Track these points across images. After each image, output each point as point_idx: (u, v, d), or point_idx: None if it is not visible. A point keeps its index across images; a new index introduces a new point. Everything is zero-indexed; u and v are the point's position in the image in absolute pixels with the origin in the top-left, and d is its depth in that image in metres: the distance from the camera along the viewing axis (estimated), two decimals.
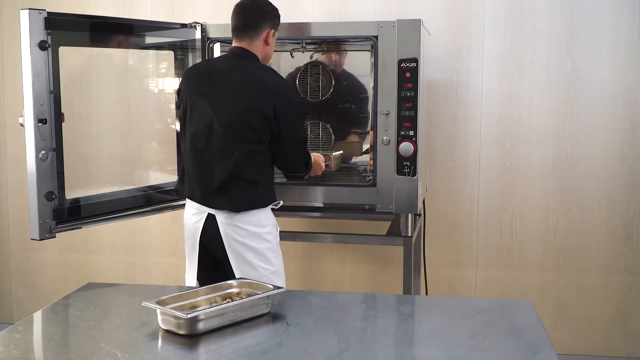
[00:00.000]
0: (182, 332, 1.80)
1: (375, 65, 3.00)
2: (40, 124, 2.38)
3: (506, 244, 3.77)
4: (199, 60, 3.09)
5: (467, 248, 3.81)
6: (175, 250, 4.10)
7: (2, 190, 4.25)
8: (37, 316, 1.98)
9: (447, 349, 1.74)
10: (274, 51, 3.09)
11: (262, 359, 1.70)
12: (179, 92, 2.72)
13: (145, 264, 4.14)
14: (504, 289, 3.80)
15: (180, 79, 2.78)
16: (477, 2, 3.67)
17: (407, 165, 3.00)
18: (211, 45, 3.13)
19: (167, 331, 1.83)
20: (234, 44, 2.70)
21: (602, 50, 3.62)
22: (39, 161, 2.39)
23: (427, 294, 3.72)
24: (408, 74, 2.97)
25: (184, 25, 3.06)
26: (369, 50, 3.11)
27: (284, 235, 3.61)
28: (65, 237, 4.20)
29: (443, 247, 3.83)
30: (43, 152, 2.39)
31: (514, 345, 1.80)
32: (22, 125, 2.42)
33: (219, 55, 3.12)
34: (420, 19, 2.92)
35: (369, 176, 3.12)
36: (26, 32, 2.38)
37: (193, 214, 2.65)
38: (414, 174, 2.99)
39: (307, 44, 3.28)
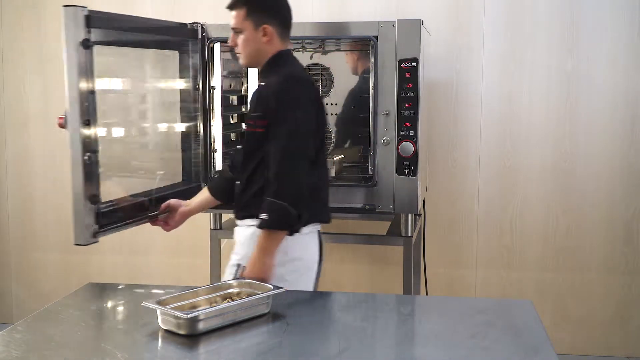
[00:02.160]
0: (182, 332, 1.80)
1: (375, 65, 3.00)
2: (85, 124, 2.29)
3: (506, 244, 3.77)
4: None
5: (467, 248, 3.81)
6: (175, 250, 4.10)
7: (2, 190, 4.25)
8: (37, 316, 1.98)
9: (447, 349, 1.74)
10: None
11: (262, 359, 1.70)
12: (314, 102, 2.40)
13: (145, 264, 4.14)
14: (503, 289, 3.80)
15: (303, 87, 2.38)
16: (477, 2, 3.67)
17: (407, 165, 3.00)
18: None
19: (167, 331, 1.82)
20: (287, 46, 2.46)
21: (602, 50, 3.62)
22: (85, 164, 2.30)
23: (427, 294, 3.72)
24: (408, 74, 2.97)
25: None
26: (369, 51, 3.11)
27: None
28: (65, 237, 4.20)
29: (443, 247, 3.83)
30: (88, 154, 2.30)
31: (514, 345, 1.80)
32: (61, 126, 2.31)
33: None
34: (420, 19, 2.93)
35: (369, 176, 3.12)
36: (70, 30, 2.27)
37: (317, 242, 2.49)
38: (414, 174, 2.99)
39: (306, 43, 3.28)
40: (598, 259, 3.72)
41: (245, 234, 2.42)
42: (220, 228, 3.36)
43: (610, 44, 3.61)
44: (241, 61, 2.45)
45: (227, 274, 2.47)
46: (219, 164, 3.19)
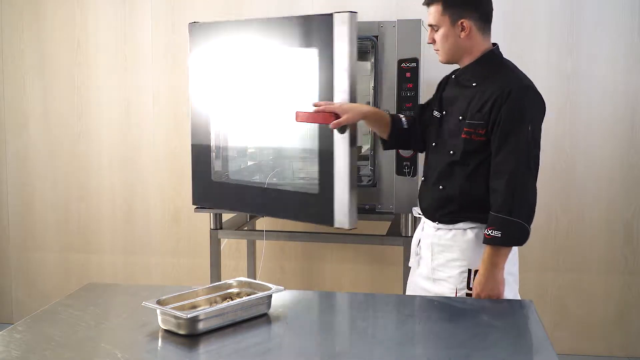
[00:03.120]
0: (182, 332, 1.80)
1: (375, 65, 3.00)
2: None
3: None
4: None
5: None
6: (175, 250, 4.10)
7: (2, 190, 4.25)
8: (37, 316, 1.97)
9: (447, 349, 1.73)
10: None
11: (262, 359, 1.70)
12: (543, 110, 2.33)
13: (145, 264, 4.14)
14: None
15: (535, 96, 2.29)
16: None
17: (407, 165, 3.00)
18: None
19: (167, 331, 1.82)
20: (490, 42, 2.40)
21: (602, 50, 3.62)
22: (352, 156, 2.66)
23: None
24: (408, 74, 2.97)
25: None
26: (369, 51, 3.10)
27: (285, 235, 3.63)
28: (65, 237, 4.21)
29: None
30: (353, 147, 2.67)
31: (514, 345, 1.80)
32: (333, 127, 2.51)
33: None
34: (420, 19, 2.92)
35: (369, 176, 3.12)
36: (354, 34, 2.64)
37: None
38: (414, 174, 2.99)
39: None
40: (598, 259, 3.72)
41: (466, 238, 2.33)
42: (221, 228, 3.35)
43: (610, 43, 3.61)
44: (440, 58, 2.38)
45: (453, 282, 2.35)
46: None
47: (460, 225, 2.33)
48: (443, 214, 2.36)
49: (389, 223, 3.38)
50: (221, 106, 3.23)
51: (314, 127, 2.78)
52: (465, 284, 2.33)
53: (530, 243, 3.70)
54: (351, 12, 2.63)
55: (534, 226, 3.83)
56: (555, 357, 1.68)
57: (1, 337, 1.79)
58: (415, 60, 2.95)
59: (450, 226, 2.35)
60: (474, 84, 2.32)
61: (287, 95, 3.12)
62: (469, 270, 2.33)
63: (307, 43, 2.83)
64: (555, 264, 3.75)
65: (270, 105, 3.22)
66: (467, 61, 2.36)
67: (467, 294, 2.31)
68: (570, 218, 3.72)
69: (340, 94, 2.65)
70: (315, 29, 2.78)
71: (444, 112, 2.42)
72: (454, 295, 2.34)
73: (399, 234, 3.13)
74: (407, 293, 2.56)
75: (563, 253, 3.74)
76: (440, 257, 2.38)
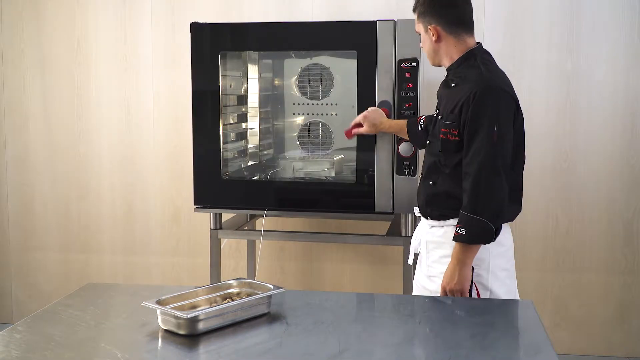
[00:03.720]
0: (182, 332, 1.80)
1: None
2: None
3: None
4: None
5: None
6: (175, 250, 4.10)
7: (2, 190, 4.25)
8: (37, 316, 1.97)
9: (447, 349, 1.73)
10: (276, 51, 3.08)
11: (262, 359, 1.70)
12: (512, 105, 2.35)
13: (145, 264, 4.14)
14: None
15: (499, 95, 2.31)
16: (477, 2, 3.64)
17: (407, 165, 3.00)
18: None
19: (167, 331, 1.82)
20: (470, 42, 2.43)
21: (602, 50, 3.62)
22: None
23: None
24: (408, 74, 2.97)
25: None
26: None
27: (285, 235, 3.63)
28: (65, 237, 4.21)
29: None
30: None
31: (514, 345, 1.80)
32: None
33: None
34: None
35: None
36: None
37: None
38: (414, 174, 2.99)
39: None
40: (598, 259, 3.72)
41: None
42: (220, 228, 3.36)
43: (610, 44, 3.61)
44: (429, 62, 2.53)
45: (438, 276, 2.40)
46: None
47: (450, 221, 2.38)
48: (433, 210, 2.43)
49: (389, 223, 3.38)
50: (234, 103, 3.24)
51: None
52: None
53: (530, 243, 3.75)
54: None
55: (534, 226, 3.85)
56: (555, 357, 1.68)
57: (1, 337, 1.79)
58: (415, 60, 2.96)
59: (442, 222, 2.41)
60: (453, 85, 2.40)
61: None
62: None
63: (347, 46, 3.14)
64: (555, 264, 3.75)
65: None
66: (447, 63, 2.47)
67: None
68: (570, 218, 3.72)
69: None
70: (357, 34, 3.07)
71: (436, 112, 2.53)
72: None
73: (399, 234, 3.13)
74: (414, 293, 2.62)
75: (563, 253, 3.74)
76: (433, 253, 2.45)
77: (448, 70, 2.47)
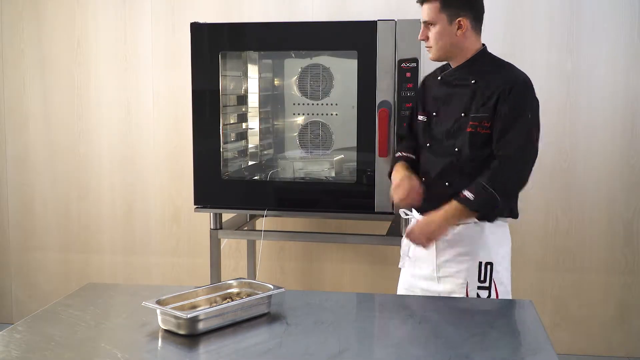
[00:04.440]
0: (182, 332, 1.80)
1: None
2: None
3: None
4: None
5: None
6: (175, 250, 4.10)
7: (2, 190, 4.25)
8: (37, 316, 1.98)
9: (447, 349, 1.73)
10: (276, 51, 3.07)
11: (262, 359, 1.70)
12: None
13: (145, 264, 4.14)
14: None
15: (533, 91, 2.39)
16: None
17: None
18: None
19: (167, 331, 1.82)
20: (480, 41, 2.43)
21: (602, 50, 3.62)
22: None
23: None
24: (408, 74, 2.97)
25: None
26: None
27: (285, 235, 3.63)
28: (65, 237, 4.21)
29: None
30: None
31: (514, 345, 1.80)
32: None
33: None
34: (420, 19, 2.92)
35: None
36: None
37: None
38: None
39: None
40: (598, 259, 3.72)
41: (474, 231, 2.36)
42: (220, 228, 3.36)
43: (610, 44, 3.61)
44: (431, 55, 2.40)
45: (463, 276, 2.37)
46: None
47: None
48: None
49: (389, 223, 3.38)
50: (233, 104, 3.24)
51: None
52: (476, 277, 2.36)
53: (530, 243, 3.74)
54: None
55: (534, 226, 3.85)
56: (555, 357, 1.68)
57: (1, 337, 1.79)
58: (415, 60, 2.96)
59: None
60: (472, 81, 2.35)
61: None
62: (480, 263, 2.36)
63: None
64: (555, 264, 3.75)
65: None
66: (460, 59, 2.39)
67: (479, 287, 2.35)
68: (570, 218, 3.72)
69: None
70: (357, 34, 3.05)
71: (434, 114, 2.44)
72: (464, 290, 2.36)
73: (399, 234, 3.13)
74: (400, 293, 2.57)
75: (563, 253, 3.74)
76: (445, 253, 2.40)
77: (456, 68, 2.40)
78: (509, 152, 2.28)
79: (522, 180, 2.32)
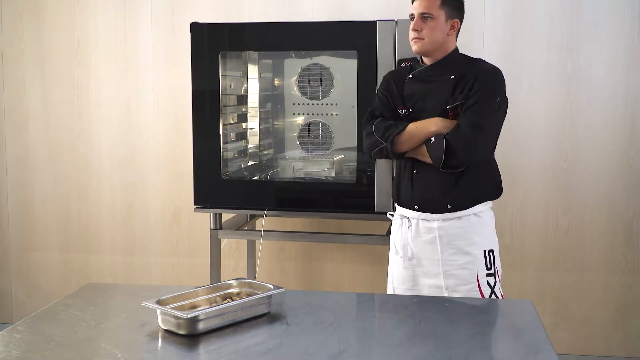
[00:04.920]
0: (182, 332, 1.80)
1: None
2: None
3: (506, 244, 3.77)
4: None
5: None
6: (175, 250, 4.10)
7: (2, 190, 4.25)
8: (37, 316, 1.98)
9: (447, 349, 1.73)
10: (276, 51, 3.07)
11: (262, 359, 1.70)
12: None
13: (145, 264, 4.14)
14: (504, 289, 3.78)
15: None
16: (477, 2, 3.67)
17: None
18: None
19: (167, 331, 1.83)
20: None
21: (602, 50, 3.62)
22: None
23: None
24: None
25: None
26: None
27: (285, 235, 3.63)
28: (65, 237, 4.21)
29: None
30: None
31: (514, 345, 1.80)
32: None
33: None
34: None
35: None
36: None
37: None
38: None
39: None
40: (598, 259, 3.72)
41: (477, 220, 2.50)
42: (220, 228, 3.36)
43: (610, 44, 3.61)
44: (419, 47, 2.49)
45: (471, 266, 2.48)
46: None
47: (469, 210, 2.46)
48: (455, 200, 2.46)
49: (389, 223, 3.38)
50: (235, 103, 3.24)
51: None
52: (484, 265, 2.47)
53: (530, 243, 3.74)
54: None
55: (534, 226, 3.85)
56: (555, 357, 1.68)
57: (1, 337, 1.79)
58: (415, 61, 2.95)
59: (460, 213, 2.46)
60: (452, 77, 2.47)
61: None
62: (484, 251, 2.47)
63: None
64: (555, 264, 3.75)
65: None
66: (439, 56, 2.51)
67: (488, 274, 2.47)
68: (570, 218, 3.72)
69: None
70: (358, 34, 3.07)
71: (410, 110, 2.54)
72: (475, 279, 2.45)
73: None
74: (399, 286, 2.60)
75: (563, 253, 3.74)
76: (450, 247, 2.47)
77: (432, 65, 2.51)
78: (471, 118, 2.38)
79: (472, 149, 2.39)
